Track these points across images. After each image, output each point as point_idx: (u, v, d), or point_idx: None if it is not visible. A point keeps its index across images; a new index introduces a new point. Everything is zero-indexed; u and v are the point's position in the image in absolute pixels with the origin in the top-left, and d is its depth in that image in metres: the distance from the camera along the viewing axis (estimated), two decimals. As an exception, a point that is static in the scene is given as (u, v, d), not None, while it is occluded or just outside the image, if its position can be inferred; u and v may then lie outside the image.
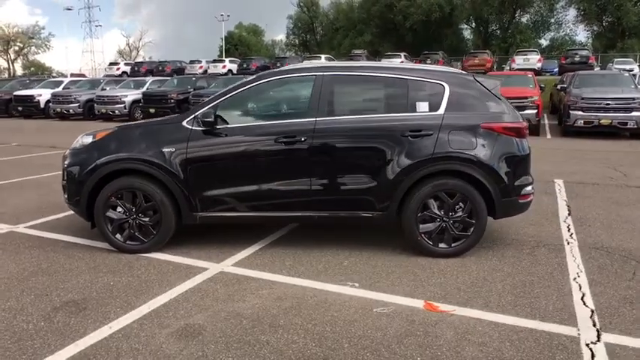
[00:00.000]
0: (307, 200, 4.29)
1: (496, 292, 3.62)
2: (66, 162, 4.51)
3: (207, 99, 4.57)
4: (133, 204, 4.32)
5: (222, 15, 50.11)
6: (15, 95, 20.41)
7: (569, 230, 5.14)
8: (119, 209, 4.34)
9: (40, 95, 19.96)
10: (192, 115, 4.33)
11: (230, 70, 32.73)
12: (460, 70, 4.74)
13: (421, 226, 4.26)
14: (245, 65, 32.67)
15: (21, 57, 52.43)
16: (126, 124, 4.89)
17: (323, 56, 32.87)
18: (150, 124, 4.75)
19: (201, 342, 2.92)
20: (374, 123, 4.29)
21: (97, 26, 64.16)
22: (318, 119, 4.24)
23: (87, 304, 3.42)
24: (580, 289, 3.69)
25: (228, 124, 4.34)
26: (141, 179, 4.28)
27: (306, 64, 6.06)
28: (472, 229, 4.25)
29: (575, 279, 3.87)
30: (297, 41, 71.65)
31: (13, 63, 51.50)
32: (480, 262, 4.23)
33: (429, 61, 28.83)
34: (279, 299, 3.50)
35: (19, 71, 53.34)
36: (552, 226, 5.28)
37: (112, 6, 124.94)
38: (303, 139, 4.19)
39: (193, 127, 4.29)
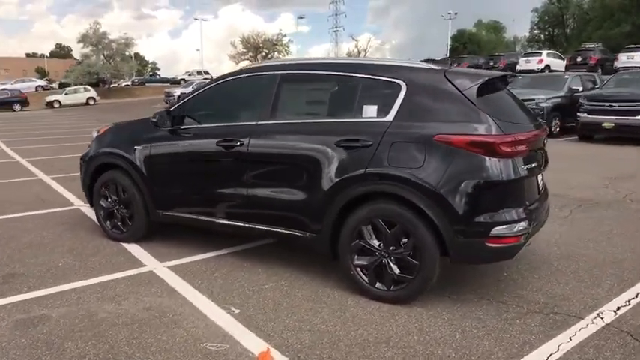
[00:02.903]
0: (245, 211, 3.95)
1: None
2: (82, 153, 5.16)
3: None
4: (116, 195, 4.68)
5: (449, 13, 48.69)
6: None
7: (627, 302, 3.46)
8: (108, 199, 4.76)
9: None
10: (160, 115, 4.43)
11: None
12: (431, 66, 3.59)
13: (356, 256, 3.48)
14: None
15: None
16: (123, 121, 5.31)
17: (544, 52, 28.82)
18: (135, 122, 5.02)
19: (23, 335, 3.01)
20: (309, 128, 3.68)
21: (334, 31, 70.21)
22: (259, 122, 3.86)
23: (17, 279, 3.87)
24: (499, 386, 2.49)
25: (200, 124, 4.32)
26: (120, 173, 4.60)
27: (267, 62, 5.46)
28: (416, 271, 3.26)
29: (515, 370, 2.62)
30: (542, 36, 64.82)
31: (259, 67, 60.83)
32: (418, 315, 3.23)
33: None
34: (144, 310, 3.34)
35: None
36: (607, 290, 3.64)
37: (365, 12, 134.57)
38: (239, 144, 3.86)
39: (161, 127, 4.39)
